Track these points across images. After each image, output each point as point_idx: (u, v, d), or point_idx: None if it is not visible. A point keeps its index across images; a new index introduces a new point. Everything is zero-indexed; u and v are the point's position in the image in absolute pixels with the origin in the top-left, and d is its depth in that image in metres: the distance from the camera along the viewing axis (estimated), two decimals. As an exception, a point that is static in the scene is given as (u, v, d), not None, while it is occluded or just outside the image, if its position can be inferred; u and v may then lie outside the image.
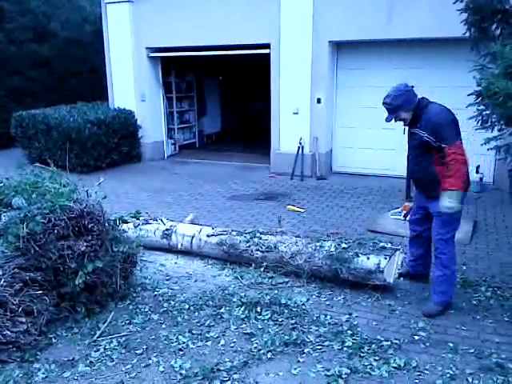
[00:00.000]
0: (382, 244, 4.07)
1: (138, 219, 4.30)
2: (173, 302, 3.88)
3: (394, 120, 3.61)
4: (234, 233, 4.61)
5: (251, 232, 4.57)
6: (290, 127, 8.60)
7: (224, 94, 12.86)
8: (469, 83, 4.48)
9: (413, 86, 3.58)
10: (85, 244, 3.54)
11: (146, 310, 3.78)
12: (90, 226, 3.59)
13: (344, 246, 4.10)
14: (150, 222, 5.04)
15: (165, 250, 4.98)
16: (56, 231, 3.39)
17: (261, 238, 4.44)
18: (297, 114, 8.46)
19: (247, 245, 4.42)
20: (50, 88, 11.73)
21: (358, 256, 3.95)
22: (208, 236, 4.68)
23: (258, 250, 4.37)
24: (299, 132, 8.49)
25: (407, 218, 5.90)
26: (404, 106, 3.49)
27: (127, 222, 4.00)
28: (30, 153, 9.52)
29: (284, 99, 8.54)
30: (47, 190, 3.60)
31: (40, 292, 3.33)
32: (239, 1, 8.49)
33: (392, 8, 7.45)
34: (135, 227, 4.91)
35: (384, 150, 8.28)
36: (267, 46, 8.50)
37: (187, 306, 3.80)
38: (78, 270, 3.49)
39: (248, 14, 8.44)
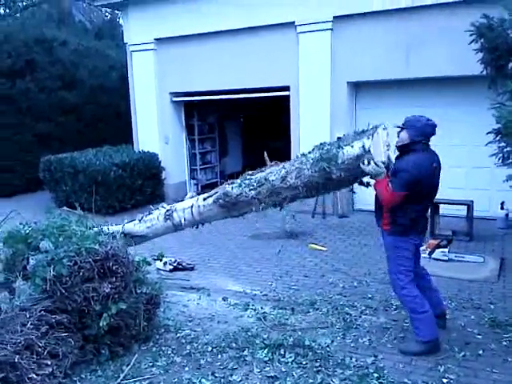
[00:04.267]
0: (361, 128, 3.89)
1: (160, 260, 4.35)
2: (195, 344, 3.86)
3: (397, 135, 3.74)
4: (227, 185, 4.40)
5: (241, 176, 4.36)
6: (311, 166, 8.64)
7: (245, 134, 13.08)
8: (488, 121, 4.50)
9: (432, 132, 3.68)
10: (109, 286, 3.60)
11: (169, 352, 3.78)
12: (114, 268, 3.65)
13: (327, 147, 3.88)
14: (152, 212, 4.90)
15: (185, 288, 4.99)
16: (81, 273, 3.46)
17: (251, 179, 4.20)
18: (317, 153, 8.52)
19: (240, 189, 4.17)
20: (78, 132, 12.13)
21: (342, 148, 3.72)
22: (204, 199, 4.43)
23: (250, 189, 4.13)
24: (320, 171, 8.51)
25: (432, 256, 5.88)
26: (412, 127, 3.61)
27: (150, 264, 4.05)
28: (57, 196, 9.77)
29: (304, 139, 8.63)
30: (74, 233, 3.70)
31: (65, 334, 3.37)
32: (258, 46, 8.76)
33: (409, 48, 7.59)
34: (139, 221, 4.69)
35: (406, 187, 8.24)
36: (287, 88, 8.70)
37: (210, 349, 3.78)
38: (102, 312, 3.54)
39: (267, 57, 8.70)
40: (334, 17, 8.04)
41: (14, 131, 11.02)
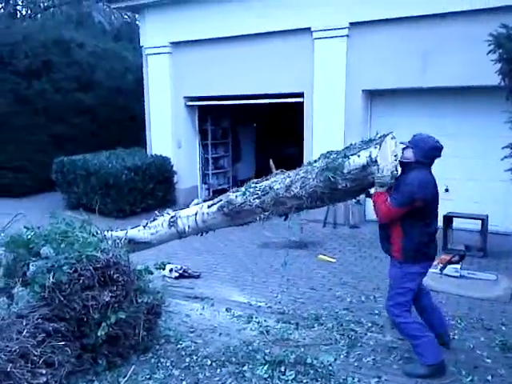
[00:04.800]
0: (369, 137, 3.77)
1: (164, 269, 4.28)
2: (195, 357, 3.78)
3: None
4: (231, 193, 4.34)
5: (246, 184, 4.30)
6: (323, 174, 8.54)
7: (258, 140, 13.00)
8: (505, 132, 4.38)
9: (438, 151, 3.51)
10: (109, 294, 3.55)
11: (168, 364, 3.70)
12: (115, 277, 3.60)
13: (333, 156, 3.77)
14: (156, 218, 4.74)
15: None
16: (81, 281, 3.41)
17: (256, 187, 4.12)
18: (329, 161, 8.40)
19: (244, 197, 4.08)
20: (92, 134, 12.17)
21: (349, 158, 3.61)
22: (209, 207, 4.36)
23: (255, 197, 4.03)
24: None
25: (444, 272, 5.72)
26: (418, 148, 3.46)
27: (152, 273, 4.00)
28: (69, 197, 9.79)
29: (317, 146, 8.52)
30: (76, 240, 3.66)
31: (62, 343, 3.32)
32: (273, 51, 8.70)
33: (426, 56, 7.45)
34: (144, 227, 4.65)
35: (419, 198, 8.08)
36: (301, 94, 8.61)
37: (209, 362, 3.70)
38: (101, 321, 3.48)
39: (282, 64, 8.63)
40: (351, 23, 7.95)
41: (29, 132, 11.10)
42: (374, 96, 8.35)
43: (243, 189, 4.15)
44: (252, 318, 4.54)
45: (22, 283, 3.43)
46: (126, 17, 22.33)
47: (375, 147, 3.50)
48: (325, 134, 8.43)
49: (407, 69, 7.60)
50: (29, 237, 3.66)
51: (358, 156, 3.56)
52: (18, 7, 20.96)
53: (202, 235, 4.58)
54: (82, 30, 14.86)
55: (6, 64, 10.87)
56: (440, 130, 7.76)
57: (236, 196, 4.11)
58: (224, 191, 11.99)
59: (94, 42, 13.32)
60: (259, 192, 4.01)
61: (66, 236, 3.71)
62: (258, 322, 4.44)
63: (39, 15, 20.01)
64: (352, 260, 6.48)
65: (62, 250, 3.53)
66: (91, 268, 3.45)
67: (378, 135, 3.62)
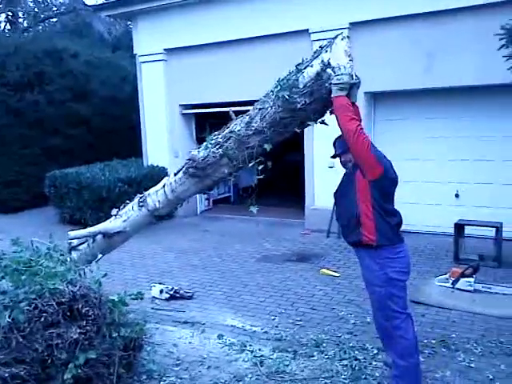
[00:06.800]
0: (319, 44, 3.54)
1: (141, 299, 3.86)
2: (178, 398, 3.38)
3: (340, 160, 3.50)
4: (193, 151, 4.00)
5: (207, 138, 3.92)
6: (326, 182, 8.10)
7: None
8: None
9: None
10: (78, 331, 3.12)
11: (147, 407, 3.30)
12: (84, 311, 3.18)
13: (287, 77, 3.58)
14: (127, 204, 4.41)
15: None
16: (43, 319, 3.01)
17: (218, 137, 3.78)
18: (332, 167, 7.97)
19: (207, 150, 3.77)
20: (88, 145, 11.82)
21: (302, 71, 3.40)
22: (175, 175, 4.06)
23: (218, 147, 3.73)
24: (335, 187, 7.97)
25: (456, 286, 5.26)
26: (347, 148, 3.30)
27: (128, 305, 3.58)
28: (62, 212, 9.44)
29: (318, 153, 8.13)
30: (40, 270, 3.26)
31: (22, 390, 2.92)
32: (270, 55, 8.30)
33: (432, 56, 7.04)
34: (115, 216, 4.35)
35: (428, 204, 7.62)
36: (299, 98, 8.21)
37: (193, 404, 3.29)
38: (69, 361, 3.08)
39: (281, 67, 8.11)
40: (351, 23, 7.55)
41: (21, 145, 10.75)
42: (377, 98, 7.93)
43: (205, 143, 3.83)
44: (245, 346, 4.11)
45: (-25, 322, 3.03)
46: (127, 25, 22.04)
47: (326, 51, 3.31)
48: (326, 140, 7.88)
49: (412, 69, 7.21)
50: (-13, 268, 3.27)
51: (311, 66, 3.35)
52: (20, 20, 20.80)
53: (176, 210, 4.33)
54: (78, 40, 14.55)
55: (-3, 77, 10.58)
56: (451, 131, 7.33)
57: (198, 151, 3.80)
58: (225, 200, 11.55)
59: (89, 52, 12.99)
60: (221, 140, 3.71)
61: (30, 266, 3.31)
62: (252, 351, 4.00)
63: (40, 27, 19.80)
64: (357, 274, 5.99)
65: (22, 282, 3.14)
66: (54, 303, 3.04)
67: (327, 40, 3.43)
